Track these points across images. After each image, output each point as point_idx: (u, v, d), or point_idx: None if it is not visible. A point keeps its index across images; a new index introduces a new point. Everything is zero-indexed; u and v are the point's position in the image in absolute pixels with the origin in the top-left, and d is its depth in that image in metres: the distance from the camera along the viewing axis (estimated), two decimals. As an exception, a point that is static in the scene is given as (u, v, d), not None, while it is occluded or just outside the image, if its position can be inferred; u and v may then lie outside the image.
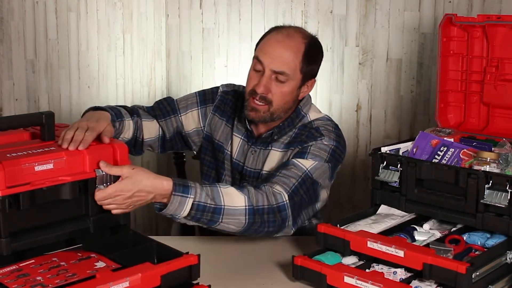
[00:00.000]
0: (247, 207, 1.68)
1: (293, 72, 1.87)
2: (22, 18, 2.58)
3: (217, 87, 2.11)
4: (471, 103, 2.12)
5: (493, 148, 1.87)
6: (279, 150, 1.95)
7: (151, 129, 2.03)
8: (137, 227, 2.96)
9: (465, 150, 1.83)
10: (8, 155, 1.39)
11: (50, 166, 1.42)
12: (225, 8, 3.02)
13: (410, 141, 1.96)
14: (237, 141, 2.02)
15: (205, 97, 2.09)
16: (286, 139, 1.96)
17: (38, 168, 1.40)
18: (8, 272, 1.39)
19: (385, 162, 1.82)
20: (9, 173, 1.34)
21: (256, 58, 1.90)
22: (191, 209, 1.62)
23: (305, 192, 1.81)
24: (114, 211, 1.53)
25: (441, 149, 1.85)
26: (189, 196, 1.61)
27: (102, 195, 1.49)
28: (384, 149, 1.87)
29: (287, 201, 1.74)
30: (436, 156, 1.85)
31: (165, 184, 1.59)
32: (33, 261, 1.44)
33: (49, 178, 1.41)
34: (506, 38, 2.01)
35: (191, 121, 2.07)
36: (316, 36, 1.98)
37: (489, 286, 1.49)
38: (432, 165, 1.74)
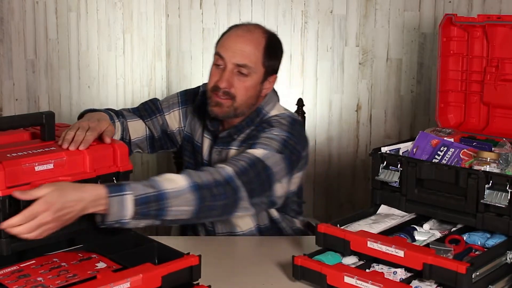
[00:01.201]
0: (190, 184, 1.58)
1: (255, 65, 1.87)
2: (22, 18, 2.58)
3: (198, 87, 2.11)
4: (471, 103, 2.12)
5: (493, 148, 1.87)
6: (239, 149, 1.93)
7: (137, 129, 2.03)
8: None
9: (465, 150, 1.83)
10: (8, 155, 1.39)
11: (50, 166, 1.42)
12: (225, 8, 3.02)
13: (410, 141, 1.96)
14: (207, 142, 2.02)
15: (186, 97, 2.09)
16: (244, 138, 1.94)
17: (38, 168, 1.40)
18: (9, 272, 1.39)
19: (385, 162, 1.82)
20: (9, 173, 1.34)
21: (217, 54, 1.89)
22: (134, 205, 1.47)
23: (257, 174, 1.72)
24: (41, 234, 1.36)
25: (441, 149, 1.85)
26: (126, 193, 1.47)
27: (28, 213, 1.33)
28: (384, 149, 1.86)
29: (233, 172, 1.67)
30: (436, 156, 1.85)
31: (93, 189, 1.43)
32: (33, 261, 1.44)
33: (49, 178, 1.41)
34: (506, 38, 2.01)
35: (174, 120, 2.08)
36: (276, 33, 1.97)
37: (489, 286, 1.49)
38: (432, 165, 1.74)
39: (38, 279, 1.36)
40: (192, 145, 2.07)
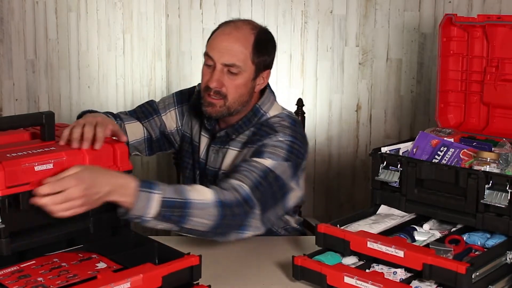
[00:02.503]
0: (216, 200, 1.61)
1: (244, 64, 1.85)
2: (22, 18, 2.58)
3: (194, 87, 2.11)
4: (471, 103, 2.12)
5: (493, 148, 1.87)
6: (236, 149, 1.93)
7: (135, 131, 2.03)
8: (137, 227, 2.95)
9: (465, 150, 1.83)
10: (8, 155, 1.39)
11: (50, 166, 1.42)
12: (225, 8, 3.02)
13: (410, 141, 1.96)
14: (205, 140, 2.01)
15: (182, 96, 2.09)
16: (244, 138, 1.92)
17: (38, 168, 1.40)
18: (9, 273, 1.39)
19: (385, 162, 1.82)
20: (9, 173, 1.34)
21: (206, 55, 1.88)
22: (160, 206, 1.50)
23: (269, 185, 1.74)
24: (66, 211, 1.36)
25: (441, 149, 1.85)
26: (156, 192, 1.50)
27: (56, 185, 1.33)
28: (384, 149, 1.86)
29: (249, 190, 1.68)
30: (436, 156, 1.85)
31: (123, 177, 1.45)
32: (34, 262, 1.44)
33: (50, 179, 1.41)
34: (506, 38, 2.01)
35: (171, 121, 2.08)
36: (266, 27, 1.95)
37: (489, 286, 1.49)
38: (432, 165, 1.74)
39: (39, 279, 1.37)
40: (191, 144, 2.06)
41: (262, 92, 1.97)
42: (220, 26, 1.92)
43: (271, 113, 1.95)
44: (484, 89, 2.07)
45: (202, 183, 1.96)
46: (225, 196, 1.63)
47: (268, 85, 1.99)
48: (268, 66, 1.93)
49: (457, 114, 2.15)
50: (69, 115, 2.79)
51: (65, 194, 1.35)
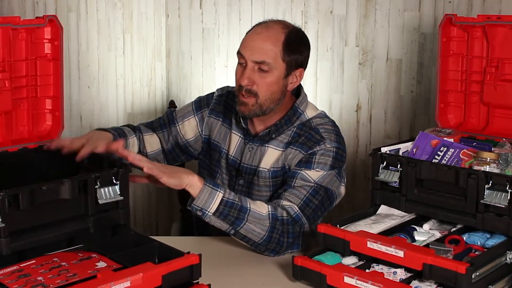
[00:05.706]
0: (270, 213, 1.76)
1: (274, 61, 1.88)
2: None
3: (213, 93, 2.15)
4: (471, 103, 2.12)
5: (493, 148, 1.87)
6: (278, 148, 1.96)
7: (152, 142, 2.09)
8: (137, 227, 2.95)
9: (465, 150, 1.84)
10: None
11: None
12: (225, 8, 3.02)
13: (410, 141, 1.96)
14: (236, 139, 2.03)
15: (200, 103, 2.13)
16: (285, 138, 1.96)
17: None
18: (9, 272, 1.39)
19: (385, 162, 1.82)
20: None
21: (238, 53, 1.92)
22: (219, 204, 1.70)
23: (318, 199, 1.86)
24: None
25: (441, 149, 1.85)
26: (219, 190, 1.72)
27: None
28: (384, 149, 1.87)
29: (298, 210, 1.81)
30: (436, 156, 1.85)
31: (194, 173, 1.73)
32: (34, 261, 1.45)
33: (50, 178, 1.41)
34: (506, 38, 2.01)
35: (188, 129, 2.11)
36: (299, 27, 1.98)
37: (489, 286, 1.49)
38: (432, 165, 1.74)
39: (38, 278, 1.37)
40: (209, 144, 2.10)
41: (298, 91, 2.02)
42: (253, 26, 1.97)
43: (309, 112, 2.00)
44: (484, 89, 2.07)
45: (236, 180, 2.02)
46: (277, 214, 1.78)
47: (300, 85, 2.02)
48: (301, 65, 1.96)
49: (457, 114, 2.15)
50: (69, 115, 2.79)
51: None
